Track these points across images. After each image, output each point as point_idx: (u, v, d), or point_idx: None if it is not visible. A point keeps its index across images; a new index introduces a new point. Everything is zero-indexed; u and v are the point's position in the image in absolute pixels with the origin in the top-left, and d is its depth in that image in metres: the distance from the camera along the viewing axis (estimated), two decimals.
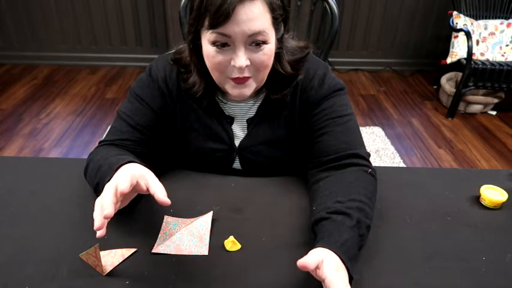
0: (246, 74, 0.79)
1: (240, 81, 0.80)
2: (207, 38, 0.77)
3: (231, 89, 0.82)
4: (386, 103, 3.12)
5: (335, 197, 0.76)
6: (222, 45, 0.76)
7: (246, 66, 0.78)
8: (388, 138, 2.63)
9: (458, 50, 2.88)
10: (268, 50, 0.78)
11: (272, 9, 0.76)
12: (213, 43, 0.76)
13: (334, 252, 0.65)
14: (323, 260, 0.61)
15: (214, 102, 0.93)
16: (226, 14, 0.71)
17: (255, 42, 0.76)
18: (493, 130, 2.76)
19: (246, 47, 0.77)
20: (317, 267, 0.61)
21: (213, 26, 0.74)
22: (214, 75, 0.83)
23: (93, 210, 0.83)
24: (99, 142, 0.90)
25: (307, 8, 2.62)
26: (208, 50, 0.78)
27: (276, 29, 0.80)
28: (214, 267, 0.71)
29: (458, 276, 0.71)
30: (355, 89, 3.31)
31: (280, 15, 0.79)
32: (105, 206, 0.62)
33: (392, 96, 3.22)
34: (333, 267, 0.61)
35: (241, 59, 0.76)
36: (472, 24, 2.91)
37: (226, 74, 0.80)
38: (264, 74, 0.83)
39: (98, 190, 0.78)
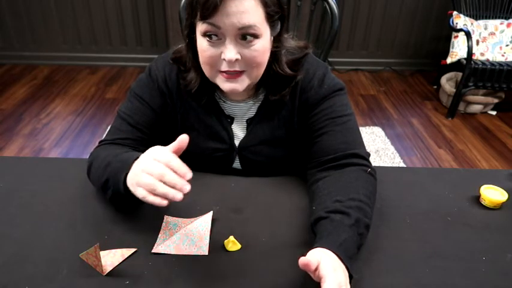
0: (237, 68, 0.79)
1: (231, 76, 0.80)
2: (199, 30, 0.78)
3: (222, 83, 0.82)
4: (386, 103, 3.12)
5: (334, 197, 0.76)
6: (212, 36, 0.76)
7: (236, 60, 0.77)
8: (388, 138, 2.63)
9: (458, 50, 2.88)
10: (260, 46, 0.78)
11: (265, 4, 0.76)
12: (204, 34, 0.77)
13: (333, 251, 0.65)
14: (321, 261, 0.61)
15: (213, 101, 0.93)
16: (214, 5, 0.72)
17: (245, 35, 0.76)
18: (493, 130, 2.76)
19: (237, 41, 0.77)
20: (315, 269, 0.61)
21: (203, 17, 0.75)
22: (206, 69, 0.82)
23: (93, 210, 0.83)
24: (99, 142, 0.90)
25: (307, 8, 2.62)
26: (201, 43, 0.79)
27: (272, 26, 0.80)
28: (214, 267, 0.71)
29: (458, 276, 0.71)
30: (355, 89, 3.31)
31: (276, 12, 0.79)
32: (181, 169, 0.65)
33: (393, 96, 3.22)
34: (330, 267, 0.61)
35: (231, 52, 0.76)
36: (472, 24, 2.91)
37: (216, 68, 0.80)
38: (258, 71, 0.82)
39: (107, 186, 0.78)
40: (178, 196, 0.63)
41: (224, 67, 0.79)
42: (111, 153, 0.81)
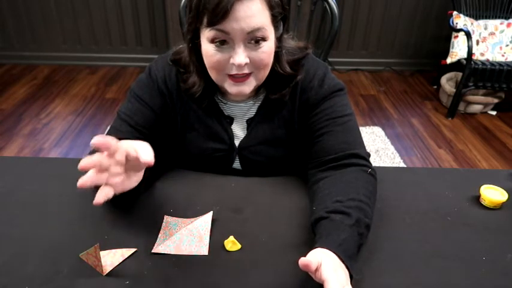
0: (245, 71, 0.79)
1: (239, 79, 0.80)
2: (205, 36, 0.77)
3: (229, 87, 0.82)
4: (386, 103, 3.12)
5: (334, 197, 0.76)
6: (221, 42, 0.76)
7: (245, 64, 0.78)
8: (388, 138, 2.63)
9: (458, 50, 2.88)
10: (268, 48, 0.79)
11: (271, 6, 0.77)
12: (212, 40, 0.77)
13: (333, 251, 0.65)
14: (322, 262, 0.61)
15: (213, 102, 0.93)
16: (224, 11, 0.72)
17: (254, 39, 0.76)
18: (493, 130, 2.76)
19: (245, 45, 0.77)
20: (316, 270, 0.61)
21: (211, 24, 0.74)
22: (213, 74, 0.83)
23: (93, 210, 0.83)
24: None
25: (307, 8, 2.62)
26: (207, 48, 0.79)
27: (275, 27, 0.81)
28: (214, 267, 0.71)
29: (458, 276, 0.71)
30: (355, 89, 3.31)
31: (279, 14, 0.79)
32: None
33: (393, 96, 3.22)
34: (331, 268, 0.61)
35: (240, 56, 0.76)
36: (472, 24, 2.91)
37: (225, 72, 0.80)
38: (264, 72, 0.83)
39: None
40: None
41: (233, 71, 0.79)
42: None
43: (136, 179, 0.71)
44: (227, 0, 0.71)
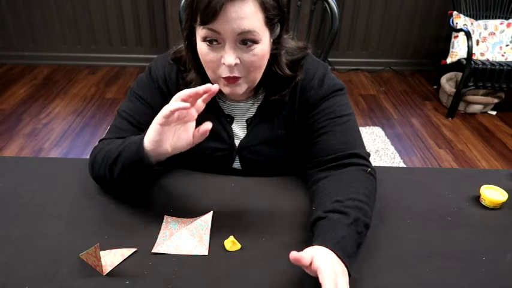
0: (236, 74, 0.79)
1: (231, 80, 0.80)
2: (199, 34, 0.78)
3: (223, 87, 0.83)
4: (386, 103, 3.12)
5: (334, 197, 0.76)
6: (212, 41, 0.77)
7: (236, 64, 0.78)
8: (388, 138, 2.63)
9: (458, 50, 2.88)
10: (259, 51, 0.78)
11: (265, 9, 0.76)
12: (204, 39, 0.77)
13: (330, 249, 0.65)
14: (314, 255, 0.61)
15: (213, 101, 0.93)
16: (214, 11, 0.73)
17: (244, 41, 0.76)
18: (493, 130, 2.76)
19: (236, 46, 0.77)
20: (310, 264, 0.61)
21: (203, 23, 0.75)
22: (209, 73, 0.83)
23: (93, 210, 0.83)
24: (100, 141, 0.90)
25: (307, 8, 2.62)
26: (201, 47, 0.79)
27: (271, 30, 0.80)
28: (214, 267, 0.71)
29: (458, 276, 0.71)
30: (355, 89, 3.31)
31: (275, 16, 0.79)
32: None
33: (393, 96, 3.22)
34: (325, 260, 0.61)
35: (230, 56, 0.77)
36: (472, 24, 2.91)
37: (218, 73, 0.81)
38: (255, 75, 0.83)
39: (116, 162, 0.79)
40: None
41: (225, 73, 0.79)
42: (119, 141, 0.82)
43: (186, 138, 0.75)
44: (217, 0, 0.72)
